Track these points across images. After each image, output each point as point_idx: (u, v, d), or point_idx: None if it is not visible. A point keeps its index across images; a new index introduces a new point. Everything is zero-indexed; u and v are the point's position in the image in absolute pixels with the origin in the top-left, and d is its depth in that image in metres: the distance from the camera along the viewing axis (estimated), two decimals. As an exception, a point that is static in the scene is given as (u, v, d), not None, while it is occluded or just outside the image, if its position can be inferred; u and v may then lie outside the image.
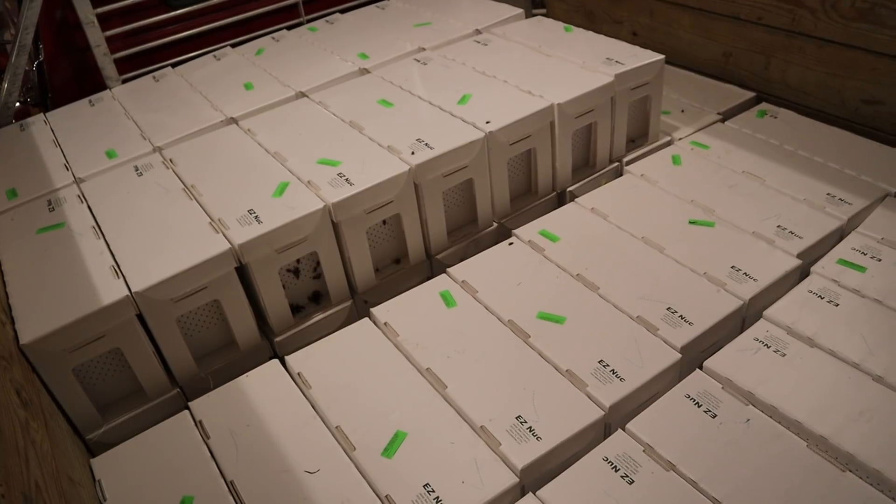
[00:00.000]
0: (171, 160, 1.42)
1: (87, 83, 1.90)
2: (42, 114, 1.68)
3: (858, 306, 1.15)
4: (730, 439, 0.98)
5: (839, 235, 1.34)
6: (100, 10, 1.78)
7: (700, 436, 0.99)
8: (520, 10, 1.85)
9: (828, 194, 1.39)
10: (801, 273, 1.26)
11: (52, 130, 1.60)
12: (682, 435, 0.99)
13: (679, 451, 0.97)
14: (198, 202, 1.28)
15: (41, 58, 1.88)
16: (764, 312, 1.17)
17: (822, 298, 1.17)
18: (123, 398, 1.20)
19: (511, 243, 1.37)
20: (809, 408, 1.00)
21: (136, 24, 1.88)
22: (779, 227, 1.32)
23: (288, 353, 1.20)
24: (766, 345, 1.11)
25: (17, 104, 1.81)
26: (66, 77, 1.93)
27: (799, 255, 1.26)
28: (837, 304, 1.16)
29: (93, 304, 1.08)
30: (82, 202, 1.33)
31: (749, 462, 0.95)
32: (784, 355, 1.08)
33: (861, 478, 0.92)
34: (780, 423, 1.00)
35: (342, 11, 2.05)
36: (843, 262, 1.24)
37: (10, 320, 1.07)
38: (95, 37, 1.79)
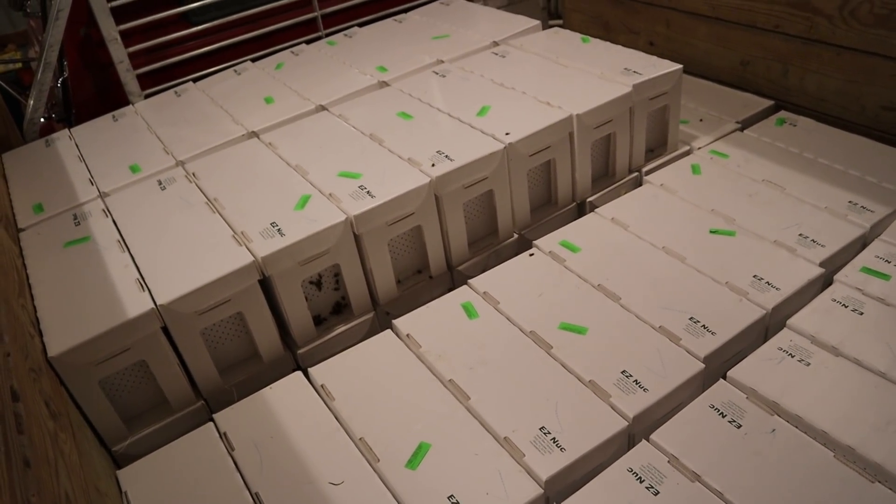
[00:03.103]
0: (193, 174, 1.44)
1: (111, 99, 1.93)
2: (66, 129, 1.71)
3: (883, 314, 1.14)
4: (755, 449, 0.97)
5: (862, 243, 1.33)
6: (122, 26, 1.81)
7: (725, 446, 0.98)
8: (536, 22, 1.86)
9: (849, 202, 1.39)
10: (824, 282, 1.25)
11: (77, 146, 1.63)
12: (706, 445, 0.98)
13: (704, 462, 0.96)
14: (221, 215, 1.29)
15: (65, 74, 1.91)
16: (787, 322, 1.16)
17: (846, 307, 1.16)
18: (148, 410, 1.22)
19: (532, 254, 1.37)
20: (836, 417, 0.99)
21: (158, 40, 1.91)
22: (800, 235, 1.32)
23: (311, 365, 1.20)
24: (791, 354, 1.10)
25: (42, 120, 1.84)
26: (89, 93, 1.96)
27: (821, 264, 1.25)
28: (862, 313, 1.15)
29: (118, 317, 1.09)
30: (107, 216, 1.35)
31: (775, 472, 0.94)
32: (808, 364, 1.08)
33: (890, 489, 0.91)
34: (805, 433, 0.99)
35: (360, 25, 2.07)
36: (866, 270, 1.23)
37: (39, 333, 1.09)
38: (118, 53, 1.82)
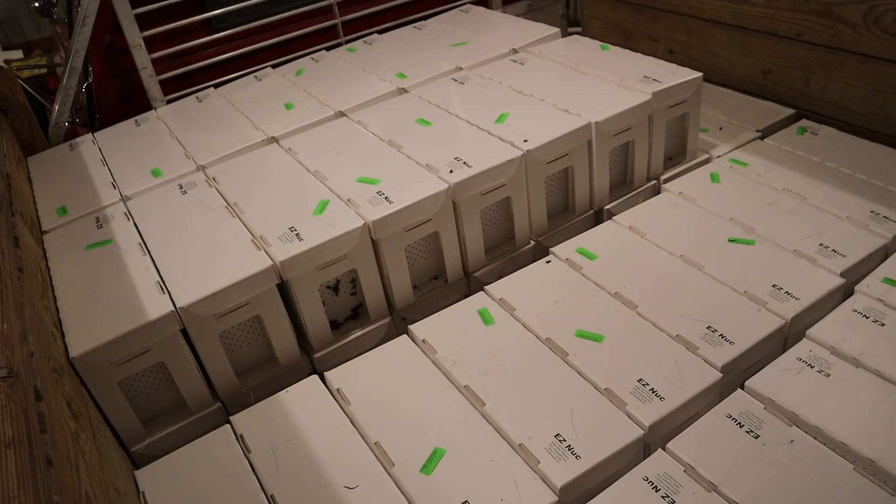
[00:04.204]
0: (214, 178, 1.45)
1: (133, 104, 1.95)
2: (90, 134, 1.74)
3: (905, 326, 1.13)
4: (773, 460, 0.96)
5: (884, 253, 1.31)
6: (146, 33, 1.83)
7: (742, 456, 0.97)
8: (556, 30, 1.86)
9: (871, 212, 1.37)
10: (845, 292, 1.24)
11: (100, 150, 1.65)
12: (723, 455, 0.98)
13: (721, 472, 0.95)
14: (240, 220, 1.31)
15: (90, 80, 1.94)
16: (807, 332, 1.15)
17: (867, 318, 1.15)
18: (166, 412, 1.23)
19: (548, 261, 1.37)
20: (856, 429, 0.98)
21: (181, 46, 1.93)
22: (821, 245, 1.31)
23: (327, 369, 1.21)
24: (810, 365, 1.09)
25: (67, 124, 1.86)
26: (113, 98, 1.99)
27: (842, 274, 1.24)
28: (883, 324, 1.13)
29: (139, 319, 1.11)
30: (129, 219, 1.37)
31: (793, 484, 0.93)
32: (828, 375, 1.07)
33: (911, 502, 0.89)
34: (825, 444, 0.98)
35: (380, 32, 2.08)
36: (888, 280, 1.21)
37: (61, 334, 1.11)
38: (142, 59, 1.84)
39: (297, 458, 1.06)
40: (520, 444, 1.01)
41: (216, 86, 1.90)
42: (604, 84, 1.56)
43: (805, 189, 1.46)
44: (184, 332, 1.15)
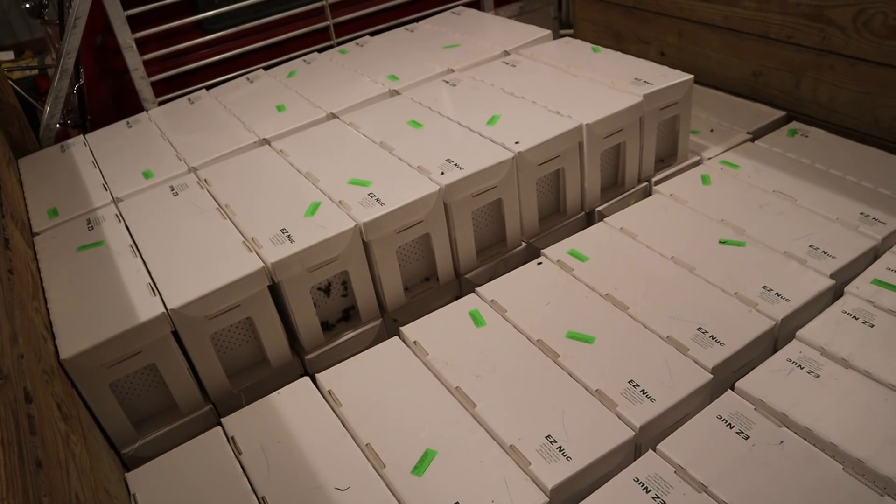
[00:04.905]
0: (205, 180, 1.45)
1: (125, 105, 1.95)
2: (81, 135, 1.73)
3: (894, 327, 1.13)
4: (763, 461, 0.97)
5: (873, 255, 1.32)
6: (138, 34, 1.83)
7: (732, 457, 0.98)
8: (547, 32, 1.87)
9: (861, 213, 1.38)
10: (835, 293, 1.25)
11: (92, 151, 1.64)
12: (714, 456, 0.98)
13: (711, 473, 0.96)
14: (232, 221, 1.31)
15: (81, 81, 1.93)
16: (797, 333, 1.16)
17: (856, 319, 1.16)
18: (158, 414, 1.23)
19: (540, 263, 1.37)
20: (845, 430, 0.98)
21: (173, 48, 1.93)
22: (811, 246, 1.31)
23: (318, 371, 1.21)
24: (800, 366, 1.09)
25: (58, 126, 1.86)
26: (104, 100, 1.98)
27: (832, 276, 1.25)
28: (873, 325, 1.14)
29: (130, 321, 1.11)
30: (120, 221, 1.37)
31: (783, 485, 0.93)
32: (818, 376, 1.07)
33: (899, 502, 0.90)
34: (814, 445, 0.98)
35: (372, 34, 2.08)
36: (877, 282, 1.22)
37: (52, 336, 1.10)
38: (134, 61, 1.84)
39: (288, 460, 1.06)
40: (511, 446, 1.02)
41: (208, 87, 1.90)
42: (595, 86, 1.56)
43: (795, 191, 1.47)
44: (175, 333, 1.15)
